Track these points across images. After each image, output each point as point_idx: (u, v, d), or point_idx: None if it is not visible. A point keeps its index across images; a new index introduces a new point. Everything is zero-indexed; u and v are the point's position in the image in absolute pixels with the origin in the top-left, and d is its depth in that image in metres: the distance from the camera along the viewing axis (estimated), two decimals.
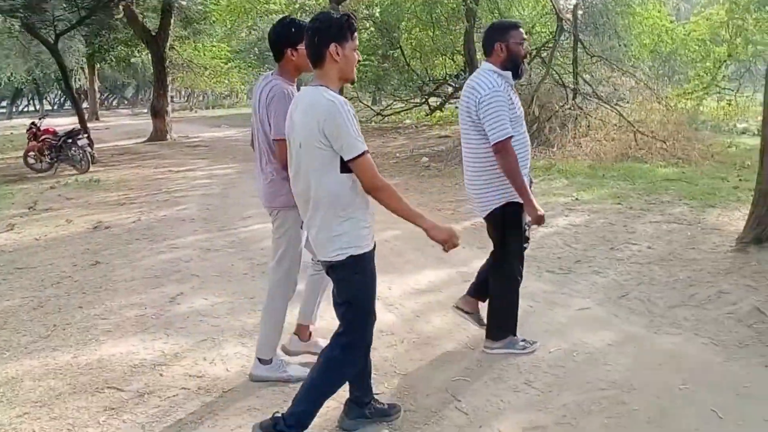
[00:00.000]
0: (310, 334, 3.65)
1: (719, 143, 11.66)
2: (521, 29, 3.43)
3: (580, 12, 13.33)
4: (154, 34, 18.54)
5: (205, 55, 28.18)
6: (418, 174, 10.38)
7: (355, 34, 2.50)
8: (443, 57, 19.36)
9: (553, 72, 12.07)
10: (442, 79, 20.26)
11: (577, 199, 7.59)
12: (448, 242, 2.54)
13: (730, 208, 6.61)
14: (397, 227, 6.62)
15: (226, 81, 35.74)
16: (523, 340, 3.63)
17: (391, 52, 19.84)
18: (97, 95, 34.90)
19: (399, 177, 10.24)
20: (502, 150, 3.21)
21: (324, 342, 3.00)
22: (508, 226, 3.47)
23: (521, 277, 3.58)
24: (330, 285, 2.79)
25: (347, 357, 2.65)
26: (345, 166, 2.41)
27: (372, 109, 21.94)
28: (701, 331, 3.77)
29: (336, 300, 2.66)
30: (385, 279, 4.97)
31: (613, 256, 5.29)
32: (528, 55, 3.51)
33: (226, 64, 32.07)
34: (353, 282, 2.57)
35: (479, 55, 13.31)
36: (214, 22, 21.95)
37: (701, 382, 3.17)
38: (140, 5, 18.53)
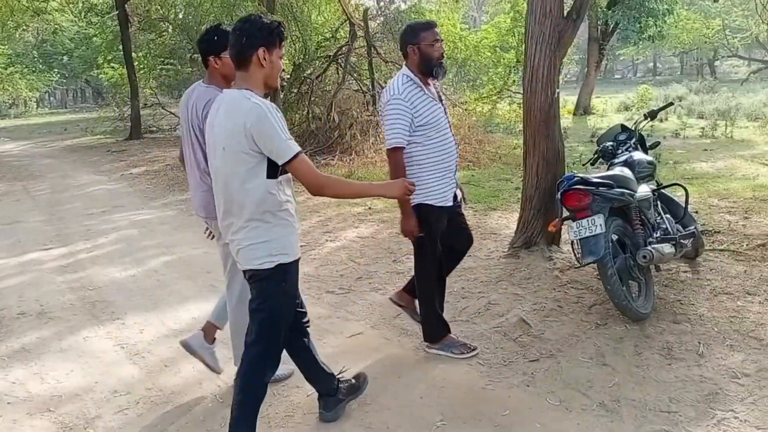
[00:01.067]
0: (214, 339, 3.45)
1: (508, 145, 12.32)
2: (435, 29, 3.31)
3: (379, 19, 13.46)
4: None
5: None
6: None
7: (283, 42, 2.46)
8: None
9: (353, 78, 11.98)
10: None
11: (369, 208, 7.40)
12: (403, 194, 2.60)
13: (509, 210, 6.78)
14: (171, 253, 5.94)
15: (10, 88, 31.81)
16: (463, 345, 3.54)
17: (195, 55, 18.70)
18: None
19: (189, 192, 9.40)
20: (390, 158, 3.27)
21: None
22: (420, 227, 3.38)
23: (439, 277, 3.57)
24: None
25: (265, 365, 2.58)
26: (272, 171, 2.36)
27: (176, 116, 20.52)
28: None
29: (253, 307, 2.54)
30: (138, 320, 4.30)
31: (395, 270, 5.09)
32: (442, 56, 3.32)
33: (5, 68, 28.47)
34: (278, 291, 2.50)
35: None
36: None
37: (460, 415, 2.95)
38: None
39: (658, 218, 4.22)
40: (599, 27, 17.65)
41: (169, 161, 12.91)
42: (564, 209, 3.72)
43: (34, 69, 29.41)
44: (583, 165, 4.68)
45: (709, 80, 26.37)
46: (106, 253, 6.08)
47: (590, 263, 3.60)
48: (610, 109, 19.29)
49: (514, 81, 18.52)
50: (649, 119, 4.65)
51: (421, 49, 3.25)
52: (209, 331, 3.42)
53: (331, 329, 4.04)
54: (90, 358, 3.77)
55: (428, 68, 3.29)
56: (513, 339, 3.71)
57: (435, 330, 3.58)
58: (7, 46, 27.28)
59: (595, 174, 3.84)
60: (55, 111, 40.12)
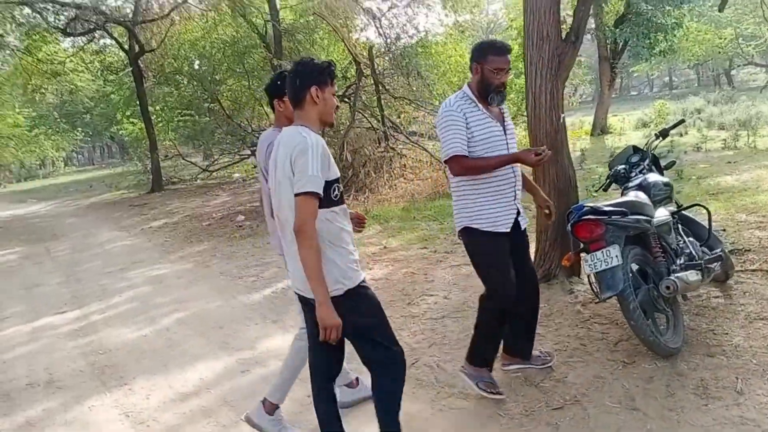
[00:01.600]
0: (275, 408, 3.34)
1: (524, 171, 12.09)
2: (506, 56, 3.22)
3: (387, 56, 13.49)
4: None
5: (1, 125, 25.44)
6: (229, 236, 9.57)
7: (335, 80, 2.60)
8: (261, 107, 18.88)
9: (363, 116, 11.97)
10: (263, 130, 19.63)
11: (385, 247, 7.25)
12: (328, 330, 2.42)
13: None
14: (184, 308, 5.83)
15: (37, 150, 32.62)
16: (492, 383, 3.38)
17: (212, 105, 18.95)
18: None
19: (208, 242, 9.38)
20: (451, 170, 3.22)
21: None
22: (469, 254, 3.38)
23: (503, 312, 3.35)
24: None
25: (394, 381, 2.72)
26: (324, 200, 2.44)
27: (197, 166, 20.77)
28: (487, 400, 3.37)
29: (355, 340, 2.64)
30: (146, 384, 4.17)
31: (409, 313, 4.90)
32: (503, 86, 3.23)
33: (30, 131, 29.25)
34: (357, 313, 2.53)
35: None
36: None
37: None
38: None
39: (681, 243, 3.98)
40: (608, 46, 17.48)
41: (189, 212, 12.98)
42: (577, 241, 3.53)
43: (57, 129, 30.16)
44: (596, 191, 4.49)
45: (726, 90, 25.97)
46: (120, 313, 6.00)
47: (609, 297, 3.38)
48: (627, 127, 19.00)
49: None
50: (660, 138, 4.45)
51: (483, 70, 3.19)
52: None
53: (339, 380, 3.85)
54: (94, 430, 3.63)
55: (485, 91, 3.21)
56: (535, 385, 3.48)
57: (479, 354, 3.43)
58: (31, 109, 28.11)
59: (607, 201, 3.64)
60: (83, 168, 41.13)
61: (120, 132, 23.33)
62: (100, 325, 5.65)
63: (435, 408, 3.40)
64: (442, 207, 9.17)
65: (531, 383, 3.49)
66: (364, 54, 11.76)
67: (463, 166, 3.13)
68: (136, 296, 6.53)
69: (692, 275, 3.59)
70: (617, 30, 16.68)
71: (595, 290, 3.47)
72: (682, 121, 4.86)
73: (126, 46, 18.15)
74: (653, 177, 4.12)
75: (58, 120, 29.70)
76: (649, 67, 30.60)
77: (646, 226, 3.57)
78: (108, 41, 19.56)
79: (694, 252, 3.93)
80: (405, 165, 11.68)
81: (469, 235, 3.28)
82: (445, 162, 3.19)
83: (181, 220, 12.06)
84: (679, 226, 4.12)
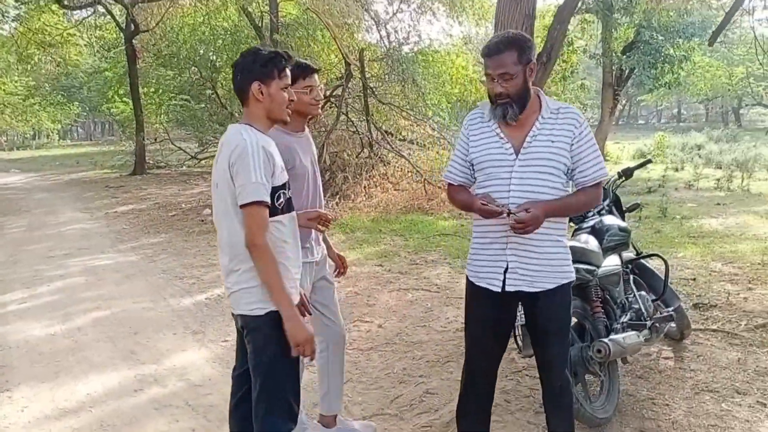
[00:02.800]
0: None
1: None
2: (494, 58, 2.37)
3: (385, 61, 13.08)
4: None
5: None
6: (188, 231, 9.14)
7: (285, 72, 2.30)
8: None
9: (348, 118, 11.56)
10: None
11: None
12: (300, 346, 2.20)
13: None
14: (107, 307, 5.42)
15: (32, 119, 32.24)
16: None
17: (211, 92, 18.53)
18: None
19: (165, 234, 8.97)
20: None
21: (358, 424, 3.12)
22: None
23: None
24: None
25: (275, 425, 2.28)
26: (270, 210, 2.21)
27: (185, 152, 20.35)
28: None
29: (252, 364, 2.30)
30: (28, 394, 3.76)
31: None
32: (501, 96, 2.38)
33: (25, 100, 28.87)
34: (272, 342, 2.24)
35: None
36: None
37: None
38: None
39: (630, 297, 3.57)
40: (614, 72, 17.12)
41: (160, 199, 12.57)
42: None
43: (52, 101, 29.74)
44: None
45: (731, 128, 25.57)
46: (38, 305, 5.58)
47: (532, 355, 2.96)
48: (625, 156, 18.62)
49: None
50: (623, 178, 4.04)
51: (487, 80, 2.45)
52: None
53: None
54: None
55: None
56: None
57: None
58: (29, 78, 27.69)
59: None
60: (78, 144, 40.65)
61: (111, 110, 22.88)
62: (12, 317, 5.23)
63: None
64: (412, 222, 8.77)
65: None
66: (357, 55, 11.34)
67: (448, 194, 2.64)
68: (65, 287, 6.11)
69: (632, 337, 3.16)
70: (624, 57, 16.34)
71: (519, 344, 3.06)
72: (649, 161, 4.45)
73: (123, 25, 17.77)
74: (610, 220, 3.70)
75: (54, 92, 29.26)
76: (656, 98, 30.22)
77: (586, 276, 3.15)
78: (106, 18, 19.18)
79: (643, 308, 3.52)
80: (386, 174, 11.27)
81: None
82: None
83: (149, 207, 11.65)
84: (631, 277, 3.71)
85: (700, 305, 4.78)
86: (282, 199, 2.27)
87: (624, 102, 45.85)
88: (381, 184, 10.85)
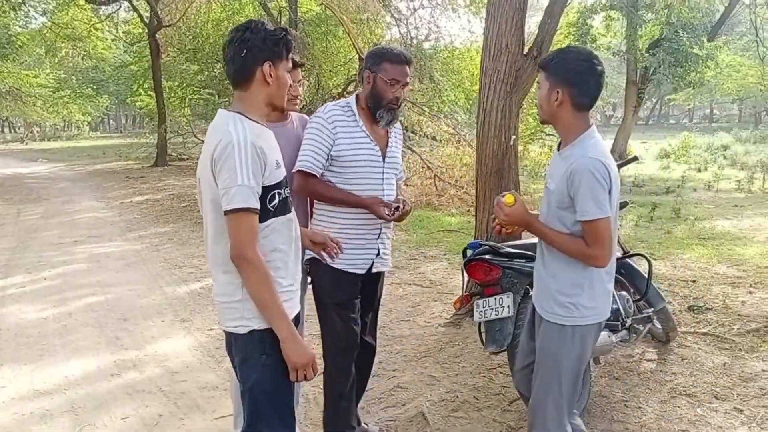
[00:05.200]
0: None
1: (525, 189, 11.56)
2: (405, 67, 2.61)
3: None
4: None
5: (28, 83, 25.63)
6: (196, 221, 9.19)
7: (291, 53, 2.01)
8: None
9: None
10: None
11: None
12: (300, 369, 1.89)
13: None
14: (103, 293, 5.49)
15: (65, 111, 32.88)
16: None
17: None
18: None
19: (174, 224, 9.06)
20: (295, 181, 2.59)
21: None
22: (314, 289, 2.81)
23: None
24: None
25: None
26: (262, 213, 1.89)
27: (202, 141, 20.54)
28: None
29: (240, 382, 2.00)
30: (9, 375, 3.88)
31: None
32: (396, 102, 2.65)
33: (54, 92, 29.46)
34: (257, 364, 1.91)
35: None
36: (20, 47, 19.77)
37: None
38: None
39: None
40: (638, 70, 16.78)
41: (177, 190, 12.71)
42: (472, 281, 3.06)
43: (80, 94, 30.29)
44: None
45: (762, 129, 24.89)
46: (37, 289, 5.68)
47: (493, 353, 2.91)
48: (648, 156, 18.26)
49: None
50: None
51: (376, 80, 2.62)
52: None
53: (206, 405, 3.45)
54: None
55: (375, 106, 2.64)
56: None
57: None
58: (61, 71, 28.29)
59: (514, 242, 3.17)
60: (108, 135, 41.41)
61: (136, 104, 23.23)
62: (8, 301, 5.33)
63: None
64: (418, 218, 8.70)
65: None
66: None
67: (305, 186, 2.63)
68: (65, 273, 6.21)
69: (602, 338, 3.08)
70: (647, 54, 16.02)
71: (483, 339, 3.00)
72: (635, 159, 4.32)
73: (147, 20, 18.02)
74: None
75: (82, 84, 29.82)
76: (685, 97, 29.56)
77: None
78: (131, 14, 19.49)
79: (621, 308, 3.42)
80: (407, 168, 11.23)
81: (313, 267, 2.73)
82: (293, 173, 2.61)
83: (165, 198, 11.79)
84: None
85: (695, 308, 4.65)
86: (276, 200, 1.93)
87: (654, 101, 45.05)
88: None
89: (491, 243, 3.04)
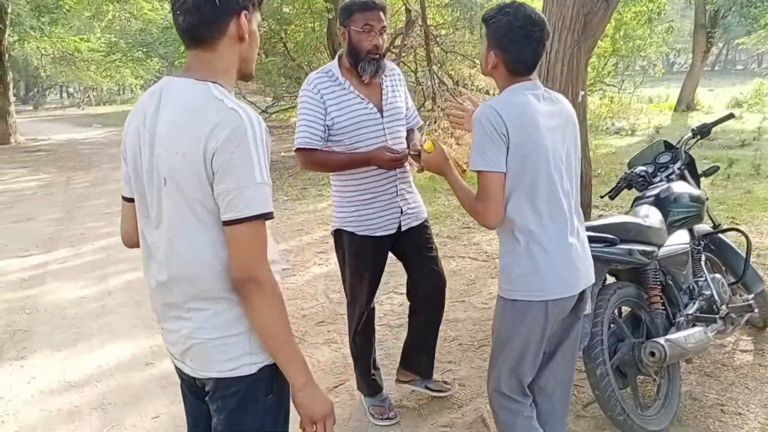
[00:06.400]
0: None
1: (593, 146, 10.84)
2: (376, 12, 2.55)
3: (452, 8, 12.31)
4: None
5: (78, 48, 25.89)
6: None
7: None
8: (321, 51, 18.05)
9: (409, 69, 10.99)
10: None
11: None
12: (319, 421, 1.47)
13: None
14: (135, 272, 5.27)
15: (117, 75, 33.22)
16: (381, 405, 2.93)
17: (282, 45, 18.21)
18: None
19: None
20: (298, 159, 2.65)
21: None
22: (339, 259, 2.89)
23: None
24: None
25: None
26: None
27: (256, 106, 20.38)
28: None
29: None
30: (41, 363, 3.69)
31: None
32: (376, 50, 2.58)
33: (106, 56, 29.69)
34: (260, 407, 1.50)
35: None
36: (68, 11, 19.79)
37: None
38: None
39: (701, 281, 2.97)
40: (707, 13, 15.47)
41: None
42: None
43: (131, 57, 30.42)
44: (602, 197, 3.47)
45: None
46: (78, 265, 5.52)
47: None
48: (718, 105, 16.99)
49: (609, 72, 16.80)
50: (699, 136, 3.37)
51: (350, 34, 2.57)
52: None
53: None
54: None
55: (356, 60, 2.58)
56: None
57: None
58: (112, 35, 28.41)
59: (594, 221, 2.68)
60: None
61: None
62: (49, 278, 5.18)
63: None
64: (472, 179, 8.17)
65: None
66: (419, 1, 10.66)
67: (309, 160, 2.60)
68: (108, 247, 6.03)
69: (696, 335, 2.60)
70: None
71: None
72: (731, 116, 3.71)
73: None
74: (679, 187, 3.07)
75: (132, 47, 29.94)
76: (756, 41, 27.45)
77: (641, 260, 2.59)
78: None
79: (716, 295, 2.92)
80: (449, 128, 10.69)
81: (339, 237, 2.76)
82: (295, 152, 2.62)
83: None
84: (704, 256, 3.10)
85: None
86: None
87: (721, 46, 42.21)
88: (443, 139, 10.28)
89: None
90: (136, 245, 1.61)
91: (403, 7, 10.65)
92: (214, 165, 1.34)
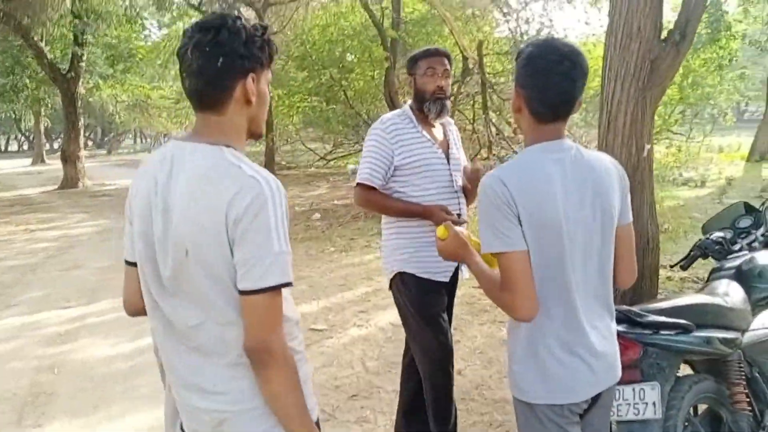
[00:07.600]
0: None
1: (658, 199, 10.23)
2: (437, 57, 2.67)
3: (511, 56, 12.09)
4: (64, 72, 17.10)
5: (148, 95, 27.19)
6: (293, 236, 8.81)
7: (274, 59, 1.48)
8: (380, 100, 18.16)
9: (466, 119, 10.75)
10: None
11: None
12: None
13: None
14: None
15: (186, 121, 34.64)
16: None
17: (344, 93, 18.45)
18: (43, 138, 33.29)
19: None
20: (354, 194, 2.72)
21: None
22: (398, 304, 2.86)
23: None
24: None
25: None
26: None
27: (315, 153, 20.67)
28: None
29: None
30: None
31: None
32: (441, 91, 2.66)
33: (176, 104, 31.01)
34: None
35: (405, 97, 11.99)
36: (140, 59, 20.76)
37: None
38: (47, 37, 17.02)
39: None
40: None
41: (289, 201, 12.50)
42: None
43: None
44: (671, 267, 3.03)
45: None
46: (116, 318, 5.37)
47: None
48: None
49: (676, 120, 16.09)
50: None
51: (416, 80, 2.70)
52: None
53: None
54: None
55: (421, 104, 2.67)
56: None
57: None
58: (177, 84, 29.76)
59: (663, 303, 2.26)
60: None
61: None
62: (84, 332, 5.06)
63: None
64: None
65: None
66: (473, 48, 10.50)
67: (366, 197, 2.65)
68: None
69: None
70: None
71: None
72: None
73: None
74: (764, 258, 2.62)
75: None
76: None
77: (722, 350, 2.15)
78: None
79: None
80: None
81: (401, 278, 2.67)
82: (355, 187, 2.70)
83: None
84: None
85: None
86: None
87: None
88: None
89: (628, 307, 2.16)
90: (141, 313, 1.55)
91: (461, 55, 10.47)
92: (236, 233, 1.30)
